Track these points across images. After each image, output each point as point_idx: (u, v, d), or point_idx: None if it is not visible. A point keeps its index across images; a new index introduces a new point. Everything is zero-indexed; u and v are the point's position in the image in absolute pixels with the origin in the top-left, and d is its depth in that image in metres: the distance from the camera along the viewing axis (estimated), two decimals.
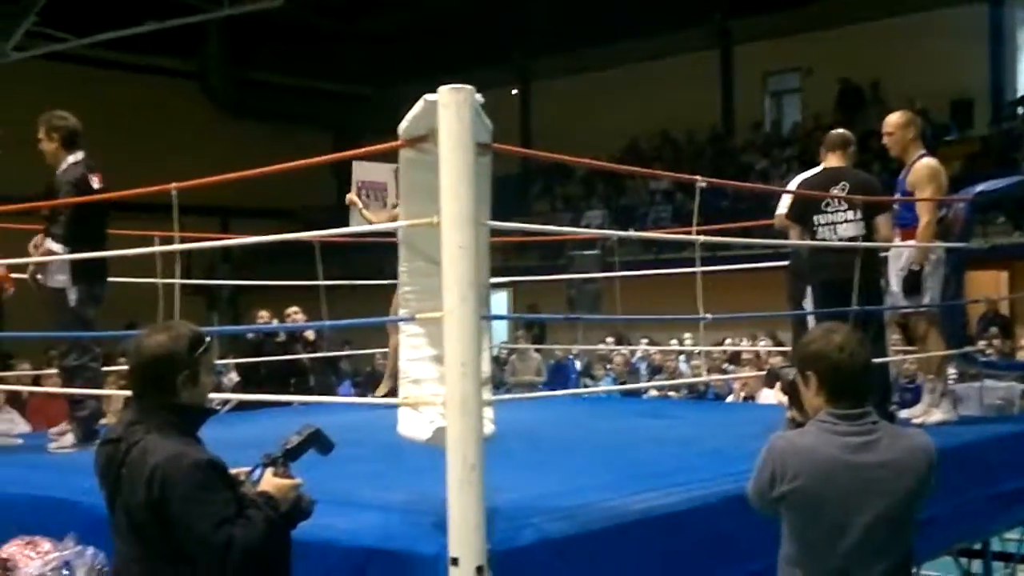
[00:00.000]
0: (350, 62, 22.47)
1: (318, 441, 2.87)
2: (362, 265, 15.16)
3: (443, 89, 3.08)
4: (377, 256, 15.24)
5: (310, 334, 9.25)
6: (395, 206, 6.60)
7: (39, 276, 5.60)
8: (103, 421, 5.58)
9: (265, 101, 21.62)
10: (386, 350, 9.40)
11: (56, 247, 5.50)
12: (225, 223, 19.39)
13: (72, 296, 5.63)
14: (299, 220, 20.54)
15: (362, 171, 7.55)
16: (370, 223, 6.68)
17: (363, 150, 3.96)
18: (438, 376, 3.40)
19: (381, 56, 22.47)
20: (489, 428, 3.28)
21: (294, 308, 9.11)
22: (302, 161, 4.18)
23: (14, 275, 5.92)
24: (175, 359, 2.66)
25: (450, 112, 3.06)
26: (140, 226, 6.13)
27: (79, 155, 5.66)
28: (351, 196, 7.37)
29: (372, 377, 13.80)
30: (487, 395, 3.28)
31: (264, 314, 9.31)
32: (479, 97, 3.14)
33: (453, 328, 3.06)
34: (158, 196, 4.68)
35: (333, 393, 9.07)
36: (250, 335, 10.10)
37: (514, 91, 22.74)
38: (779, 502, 2.94)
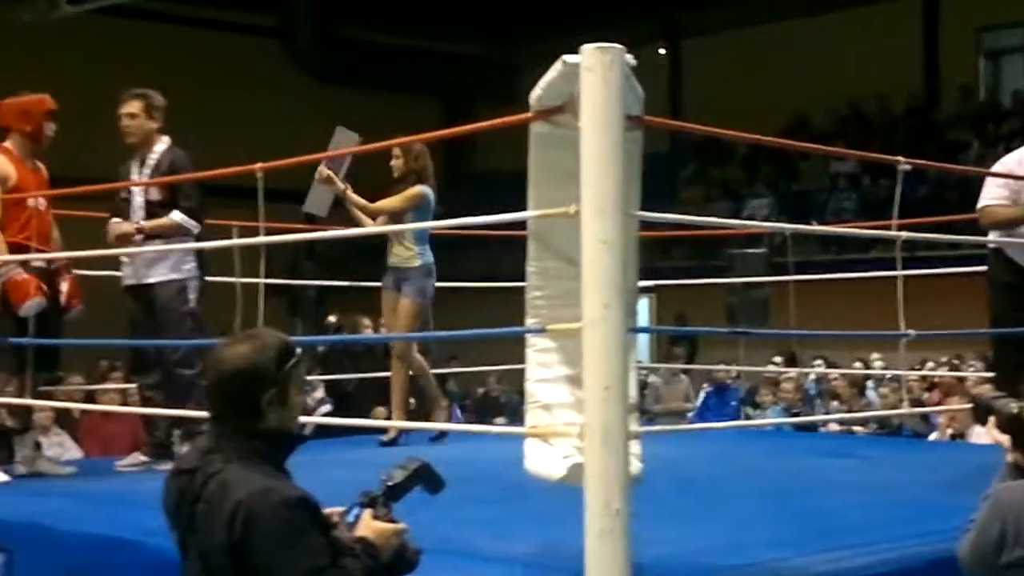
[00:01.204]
0: (459, 17, 22.68)
1: (426, 477, 2.88)
2: (473, 263, 15.30)
3: (586, 49, 3.09)
4: (492, 253, 15.36)
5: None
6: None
7: (139, 273, 5.93)
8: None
9: (359, 63, 21.94)
10: (502, 368, 9.45)
11: (188, 220, 5.87)
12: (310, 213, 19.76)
13: (192, 294, 5.88)
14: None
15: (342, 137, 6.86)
16: (359, 209, 6.70)
17: (482, 124, 3.98)
18: (574, 401, 3.41)
19: (497, 9, 22.63)
20: (635, 466, 3.27)
21: (364, 320, 9.23)
22: (408, 137, 4.26)
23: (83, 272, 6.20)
24: (260, 375, 2.69)
25: (595, 77, 3.07)
26: (210, 213, 6.33)
27: (167, 138, 6.08)
28: (326, 171, 6.61)
29: (485, 401, 13.93)
30: (634, 425, 3.27)
31: (367, 322, 9.40)
32: (630, 58, 3.14)
33: (594, 342, 3.06)
34: (232, 178, 4.82)
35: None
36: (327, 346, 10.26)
37: (660, 50, 22.63)
38: (1008, 570, 2.87)
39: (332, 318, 10.92)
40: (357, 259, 19.84)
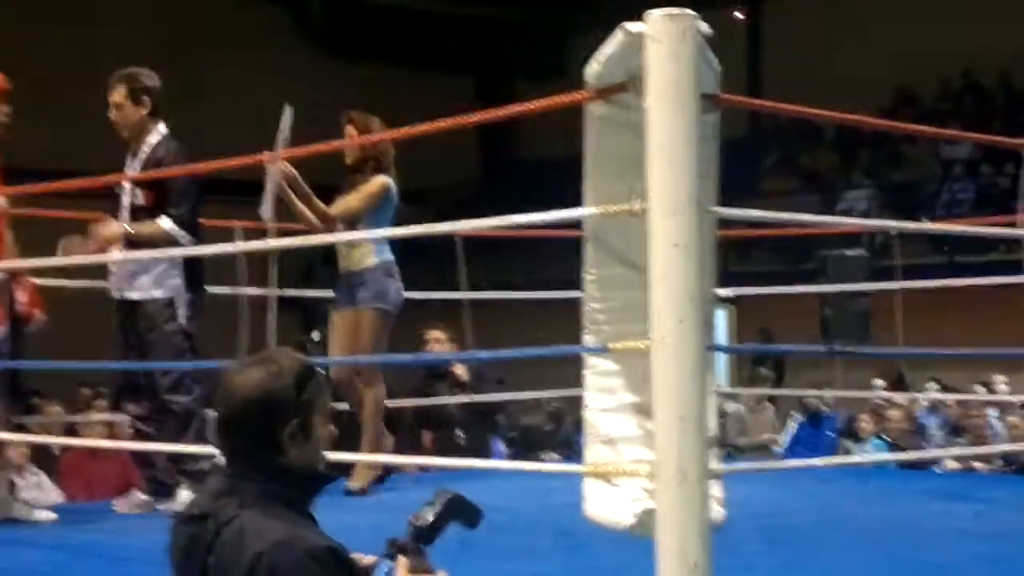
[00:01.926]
0: None
1: (460, 510, 2.91)
2: (517, 269, 15.36)
3: (653, 16, 3.09)
4: (539, 257, 15.37)
5: (460, 369, 9.35)
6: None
7: (121, 286, 5.92)
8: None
9: (377, 33, 22.04)
10: (561, 394, 9.40)
11: (177, 230, 5.84)
12: None
13: (181, 309, 5.90)
14: (432, 206, 20.86)
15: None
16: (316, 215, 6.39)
17: (528, 105, 3.96)
18: (642, 434, 3.40)
19: None
20: (716, 511, 3.26)
21: (437, 333, 9.21)
22: (434, 124, 4.21)
23: (40, 281, 6.22)
24: (278, 405, 2.70)
25: (663, 49, 3.07)
26: (209, 212, 6.35)
27: (163, 126, 6.06)
28: (281, 163, 6.00)
29: (532, 432, 13.91)
30: (714, 463, 3.26)
31: (440, 336, 9.35)
32: (704, 27, 3.13)
33: (666, 364, 3.06)
34: (234, 171, 4.84)
35: (487, 453, 9.15)
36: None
37: (737, 14, 22.57)
38: None
39: (315, 334, 10.86)
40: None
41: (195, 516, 2.75)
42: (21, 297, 6.03)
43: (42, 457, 9.29)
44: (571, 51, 21.62)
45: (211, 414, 5.98)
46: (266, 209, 5.79)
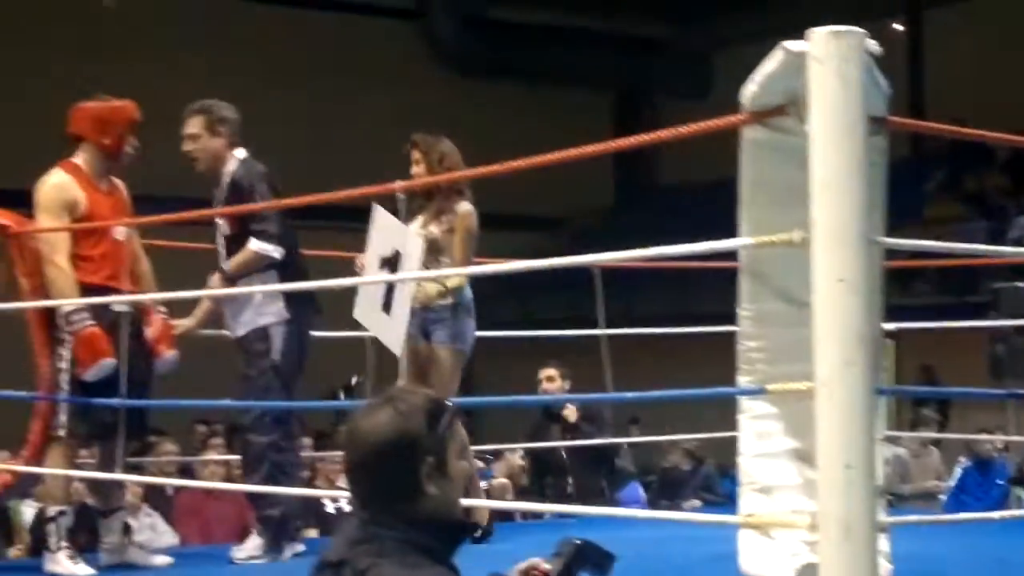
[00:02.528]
0: None
1: (592, 558, 2.93)
2: (657, 302, 15.29)
3: (816, 34, 3.08)
4: (683, 289, 15.31)
5: (569, 411, 9.34)
6: None
7: (230, 327, 6.08)
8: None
9: (509, 51, 22.15)
10: (699, 437, 9.34)
11: (265, 246, 5.96)
12: None
13: (277, 342, 6.00)
14: (564, 233, 20.92)
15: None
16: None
17: (679, 130, 3.95)
18: (803, 483, 3.39)
19: None
20: (884, 568, 3.22)
21: (549, 371, 9.23)
22: (568, 152, 4.19)
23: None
24: (412, 443, 2.74)
25: (827, 70, 3.06)
26: (321, 239, 6.43)
27: (242, 151, 6.19)
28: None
29: (672, 476, 13.85)
30: (882, 515, 3.23)
31: (552, 373, 9.36)
32: (872, 44, 3.12)
33: (831, 408, 3.03)
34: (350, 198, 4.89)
35: (602, 500, 9.11)
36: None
37: (896, 26, 22.33)
38: None
39: (355, 378, 10.84)
40: (516, 298, 20.02)
41: (331, 563, 2.79)
42: (149, 332, 6.18)
43: (156, 497, 9.47)
44: (717, 69, 21.57)
45: (298, 455, 6.13)
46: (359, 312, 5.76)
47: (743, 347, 3.61)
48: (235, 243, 6.07)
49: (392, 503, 2.75)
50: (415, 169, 6.43)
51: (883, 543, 3.25)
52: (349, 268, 6.53)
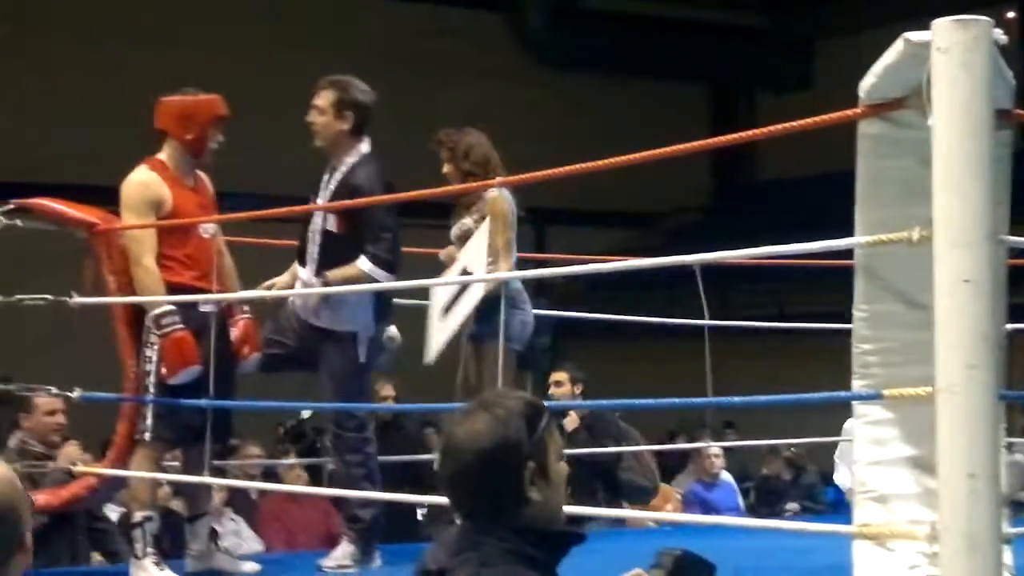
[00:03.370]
0: None
1: (690, 568, 2.92)
2: (760, 299, 15.19)
3: (940, 24, 3.06)
4: (786, 287, 15.19)
5: (569, 419, 9.15)
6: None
7: (308, 314, 6.10)
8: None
9: (602, 43, 22.07)
10: (803, 441, 9.22)
11: (377, 271, 5.98)
12: (540, 231, 19.92)
13: (362, 347, 6.07)
14: (658, 230, 20.83)
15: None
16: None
17: (790, 124, 3.92)
18: (921, 492, 3.37)
19: None
20: None
21: (559, 375, 8.98)
22: (665, 149, 4.22)
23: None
24: (513, 449, 2.75)
25: (952, 61, 3.04)
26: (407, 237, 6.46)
27: (367, 144, 6.17)
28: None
29: (770, 483, 13.76)
30: (1006, 526, 3.20)
31: (561, 377, 9.18)
32: (999, 34, 3.09)
33: (954, 415, 3.02)
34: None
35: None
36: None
37: (1010, 13, 22.04)
38: None
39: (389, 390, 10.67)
40: (609, 294, 19.88)
41: (431, 572, 2.81)
42: (236, 332, 6.23)
43: (240, 502, 9.54)
44: (818, 59, 21.43)
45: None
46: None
47: (858, 350, 3.60)
48: (338, 243, 6.05)
49: (495, 511, 2.76)
50: (445, 168, 6.42)
51: (1007, 556, 3.23)
52: (426, 265, 6.56)
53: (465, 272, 5.64)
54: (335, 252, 6.05)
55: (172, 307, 5.87)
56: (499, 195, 6.26)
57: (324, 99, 6.11)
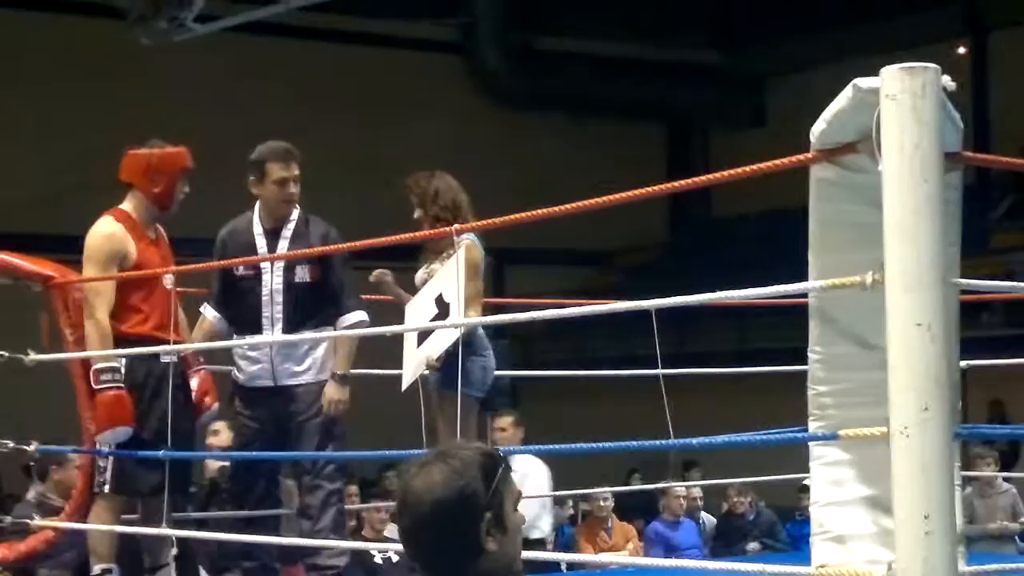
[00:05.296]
0: (683, 17, 22.73)
1: None
2: (716, 337, 15.25)
3: (888, 72, 3.09)
4: (742, 324, 15.29)
5: None
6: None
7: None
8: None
9: (559, 81, 22.12)
10: (759, 480, 9.27)
11: (365, 316, 6.19)
12: (499, 271, 19.92)
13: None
14: (615, 267, 20.89)
15: None
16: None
17: (740, 170, 3.95)
18: (877, 531, 3.38)
19: (731, 4, 22.62)
20: None
21: (503, 421, 9.07)
22: (623, 194, 4.26)
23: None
24: (470, 501, 2.75)
25: (901, 108, 3.07)
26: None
27: None
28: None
29: (730, 521, 13.77)
30: (962, 564, 3.22)
31: (505, 423, 9.20)
32: (948, 81, 3.13)
33: (908, 456, 3.03)
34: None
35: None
36: None
37: (960, 49, 22.26)
38: None
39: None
40: (563, 339, 19.97)
41: None
42: (194, 384, 6.22)
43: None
44: (771, 97, 21.58)
45: None
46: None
47: (814, 391, 3.61)
48: (313, 295, 6.12)
49: (452, 562, 2.76)
50: (416, 214, 6.42)
51: None
52: (390, 312, 6.56)
53: (440, 299, 5.65)
54: (311, 304, 6.11)
55: (113, 364, 5.82)
56: (472, 243, 6.28)
57: (298, 168, 6.20)
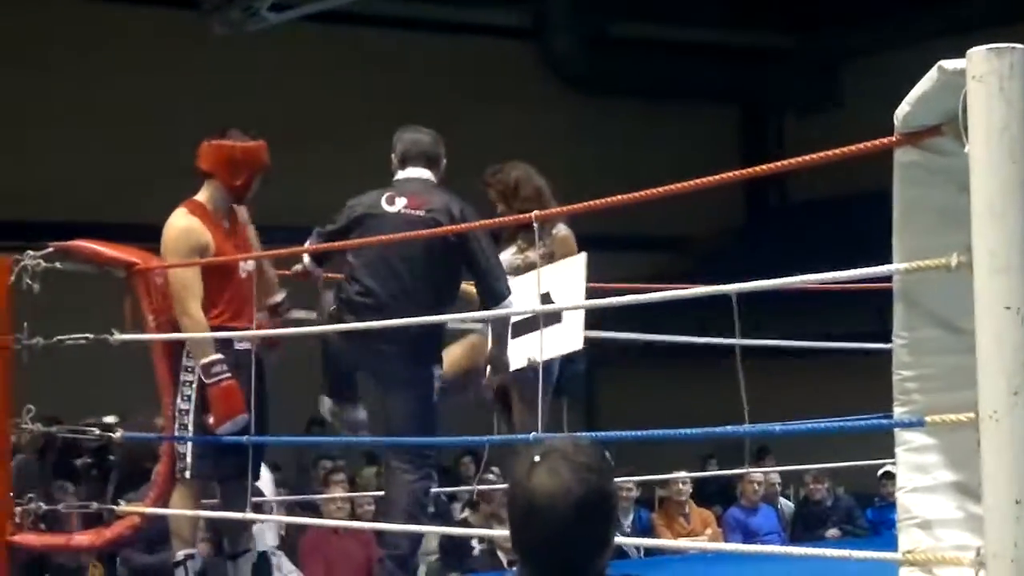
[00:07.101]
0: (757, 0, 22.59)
1: None
2: (796, 323, 15.12)
3: (975, 52, 3.08)
4: (826, 309, 15.14)
5: None
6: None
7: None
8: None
9: (632, 67, 22.01)
10: (839, 465, 9.22)
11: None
12: None
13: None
14: (690, 253, 20.79)
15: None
16: None
17: (821, 155, 3.92)
18: (964, 517, 3.36)
19: None
20: None
21: None
22: (697, 180, 4.23)
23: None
24: (609, 500, 2.70)
25: (988, 89, 3.05)
26: None
27: None
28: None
29: (807, 507, 13.72)
30: None
31: None
32: None
33: (998, 440, 3.02)
34: None
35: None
36: None
37: None
38: None
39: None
40: (635, 318, 19.84)
41: None
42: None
43: (282, 536, 9.56)
44: (846, 79, 21.38)
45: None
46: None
47: (899, 376, 3.59)
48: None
49: (586, 561, 2.71)
50: (499, 208, 6.37)
51: None
52: None
53: (547, 298, 5.65)
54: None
55: (221, 355, 5.88)
56: (568, 235, 6.31)
57: None
